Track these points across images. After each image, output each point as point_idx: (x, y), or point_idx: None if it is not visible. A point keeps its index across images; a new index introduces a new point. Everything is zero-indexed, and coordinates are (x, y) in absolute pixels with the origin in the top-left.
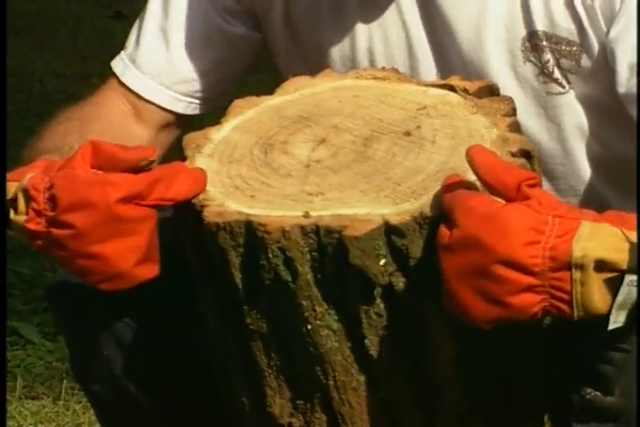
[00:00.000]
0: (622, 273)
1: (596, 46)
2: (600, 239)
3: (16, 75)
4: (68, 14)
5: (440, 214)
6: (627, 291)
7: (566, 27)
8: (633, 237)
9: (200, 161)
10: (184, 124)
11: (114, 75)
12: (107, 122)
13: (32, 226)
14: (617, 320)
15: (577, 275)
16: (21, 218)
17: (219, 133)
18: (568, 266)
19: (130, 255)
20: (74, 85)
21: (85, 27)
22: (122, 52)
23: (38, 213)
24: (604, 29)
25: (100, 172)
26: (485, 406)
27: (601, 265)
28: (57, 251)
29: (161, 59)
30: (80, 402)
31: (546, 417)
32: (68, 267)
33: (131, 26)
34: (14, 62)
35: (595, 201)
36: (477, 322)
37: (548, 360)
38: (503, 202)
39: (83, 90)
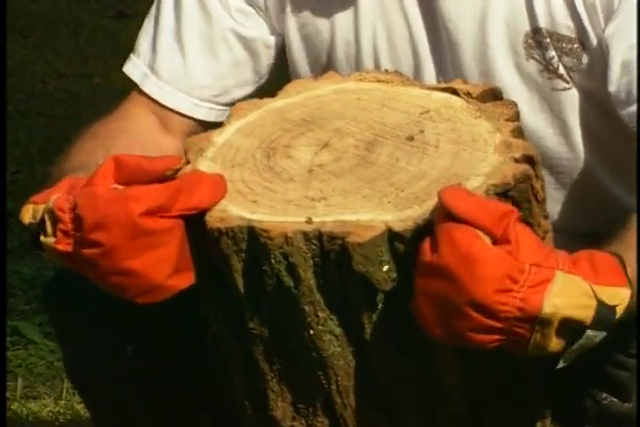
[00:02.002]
0: (584, 327)
1: (594, 41)
2: (570, 296)
3: (17, 75)
4: (70, 14)
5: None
6: (583, 342)
7: (567, 24)
8: (601, 294)
9: (202, 164)
10: (205, 129)
11: (133, 83)
12: (133, 136)
13: (61, 247)
14: (567, 361)
15: (539, 327)
16: (50, 240)
17: (221, 136)
18: (534, 319)
19: (162, 267)
20: (75, 85)
21: (87, 27)
22: (134, 58)
23: (66, 233)
24: (603, 25)
25: (120, 187)
26: (487, 411)
27: (565, 321)
28: (90, 270)
29: (177, 64)
30: (81, 402)
31: (549, 420)
32: (104, 285)
33: (132, 26)
34: (15, 62)
35: (597, 195)
36: (434, 338)
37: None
38: (486, 239)
39: (84, 90)
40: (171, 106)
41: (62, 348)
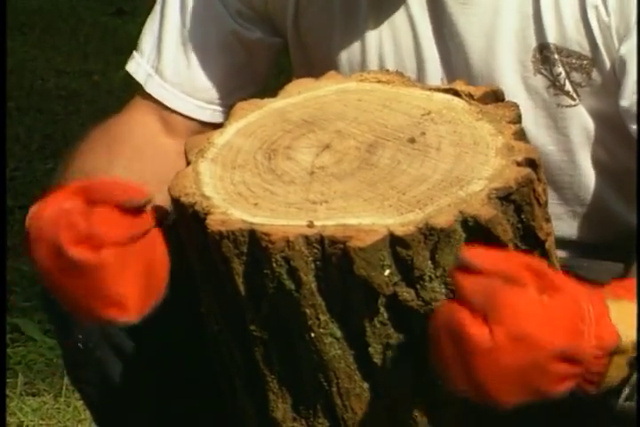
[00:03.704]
0: None
1: (607, 61)
2: (628, 319)
3: (17, 72)
4: (69, 11)
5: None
6: None
7: (578, 41)
8: None
9: (203, 166)
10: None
11: (135, 82)
12: (135, 142)
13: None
14: (628, 397)
15: (618, 360)
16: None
17: (222, 137)
18: (612, 352)
19: (86, 297)
20: (75, 82)
21: (86, 24)
22: (137, 57)
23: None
24: (617, 46)
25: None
26: (489, 413)
27: (634, 348)
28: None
29: (182, 67)
30: (81, 399)
31: None
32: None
33: (132, 23)
34: (15, 59)
35: (600, 211)
36: (500, 406)
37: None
38: (537, 293)
39: (84, 87)
40: (175, 108)
41: (61, 346)
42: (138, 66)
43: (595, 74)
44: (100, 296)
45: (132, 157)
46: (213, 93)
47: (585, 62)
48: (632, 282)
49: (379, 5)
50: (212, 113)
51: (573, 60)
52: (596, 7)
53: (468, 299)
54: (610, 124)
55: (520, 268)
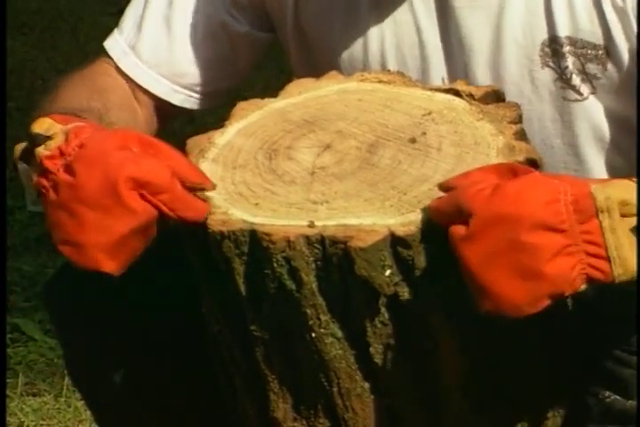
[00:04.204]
0: None
1: (624, 50)
2: (616, 185)
3: (17, 72)
4: (70, 11)
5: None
6: None
7: (592, 30)
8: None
9: (204, 166)
10: (180, 115)
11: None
12: (121, 95)
13: (47, 161)
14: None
15: (606, 222)
16: (44, 152)
17: (222, 137)
18: (594, 214)
19: (99, 236)
20: None
21: (87, 24)
22: (116, 34)
23: (62, 154)
24: (636, 30)
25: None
26: (490, 413)
27: (624, 208)
28: (51, 195)
29: (162, 49)
30: (81, 399)
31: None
32: (48, 215)
33: None
34: (15, 59)
35: None
36: (519, 308)
37: (556, 365)
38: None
39: None
40: (148, 88)
41: (62, 346)
42: (115, 42)
43: (610, 65)
44: (110, 239)
45: (120, 108)
46: (190, 80)
47: (600, 53)
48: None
49: (380, 1)
50: (184, 98)
51: (588, 51)
52: None
53: (445, 213)
54: (627, 126)
55: (486, 172)
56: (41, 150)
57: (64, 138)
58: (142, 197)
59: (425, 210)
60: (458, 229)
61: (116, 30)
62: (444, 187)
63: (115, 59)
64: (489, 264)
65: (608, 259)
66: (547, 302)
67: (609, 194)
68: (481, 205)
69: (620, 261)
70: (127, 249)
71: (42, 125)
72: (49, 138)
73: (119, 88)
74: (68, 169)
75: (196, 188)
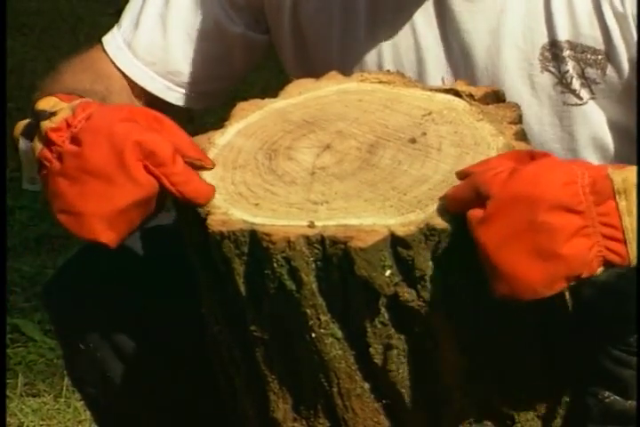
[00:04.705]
0: None
1: (623, 54)
2: (632, 169)
3: (17, 72)
4: (70, 11)
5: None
6: None
7: (592, 35)
8: None
9: None
10: (174, 113)
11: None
12: (119, 82)
13: (53, 134)
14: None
15: (622, 204)
16: (50, 124)
17: (222, 138)
18: (611, 196)
19: (100, 205)
20: None
21: (86, 24)
22: (115, 30)
23: (69, 126)
24: (635, 37)
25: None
26: (490, 413)
27: None
28: (54, 165)
29: (157, 47)
30: (81, 399)
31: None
32: (49, 183)
33: None
34: (15, 60)
35: None
36: (535, 290)
37: (556, 364)
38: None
39: None
40: (143, 85)
41: (62, 346)
42: (112, 38)
43: (610, 69)
44: (112, 210)
45: (113, 91)
46: (185, 78)
47: (600, 57)
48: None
49: (378, 4)
50: (179, 96)
51: (588, 56)
52: (610, 1)
53: (462, 198)
54: (627, 135)
55: (504, 158)
56: (47, 123)
57: (71, 112)
58: (146, 168)
59: (441, 200)
60: (475, 213)
61: (115, 26)
62: (461, 174)
63: (110, 56)
64: (506, 245)
65: (624, 242)
66: (563, 285)
67: (626, 176)
68: (498, 188)
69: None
70: (126, 221)
71: (48, 103)
72: (54, 114)
73: (118, 77)
74: (74, 140)
75: (196, 164)
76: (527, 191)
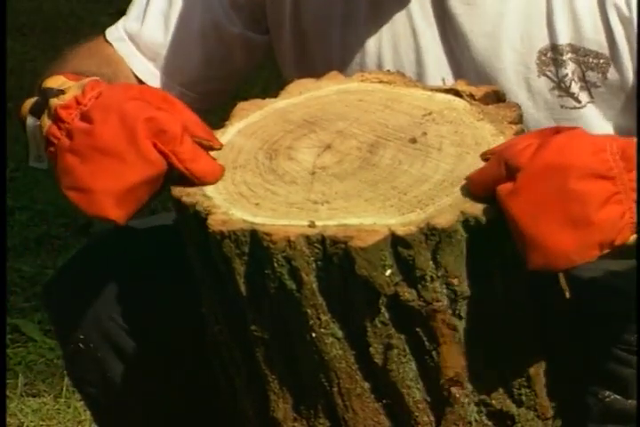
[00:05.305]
0: None
1: (627, 58)
2: None
3: (17, 72)
4: (70, 12)
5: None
6: None
7: (596, 39)
8: None
9: None
10: None
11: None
12: (126, 67)
13: (62, 111)
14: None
15: None
16: (58, 102)
17: (223, 137)
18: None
19: (110, 182)
20: None
21: (87, 24)
22: (121, 23)
23: (78, 104)
24: None
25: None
26: (490, 412)
27: None
28: (63, 142)
29: (159, 44)
30: (81, 400)
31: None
32: (59, 160)
33: None
34: (15, 60)
35: None
36: (569, 258)
37: (557, 362)
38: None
39: None
40: (143, 79)
41: (62, 346)
42: (116, 30)
43: (611, 73)
44: (121, 187)
45: (120, 75)
46: (184, 77)
47: (602, 61)
48: None
49: (379, 4)
50: (179, 95)
51: (590, 59)
52: (616, 5)
53: (489, 176)
54: (618, 126)
55: (528, 137)
56: (56, 101)
57: (80, 91)
58: (155, 146)
59: (464, 186)
60: (505, 186)
61: (122, 19)
62: (486, 155)
63: (115, 48)
64: (538, 215)
65: None
66: (596, 253)
67: None
68: (528, 159)
69: None
70: (135, 199)
71: (56, 81)
72: (62, 92)
73: (125, 64)
74: (84, 118)
75: (204, 144)
76: (557, 160)
